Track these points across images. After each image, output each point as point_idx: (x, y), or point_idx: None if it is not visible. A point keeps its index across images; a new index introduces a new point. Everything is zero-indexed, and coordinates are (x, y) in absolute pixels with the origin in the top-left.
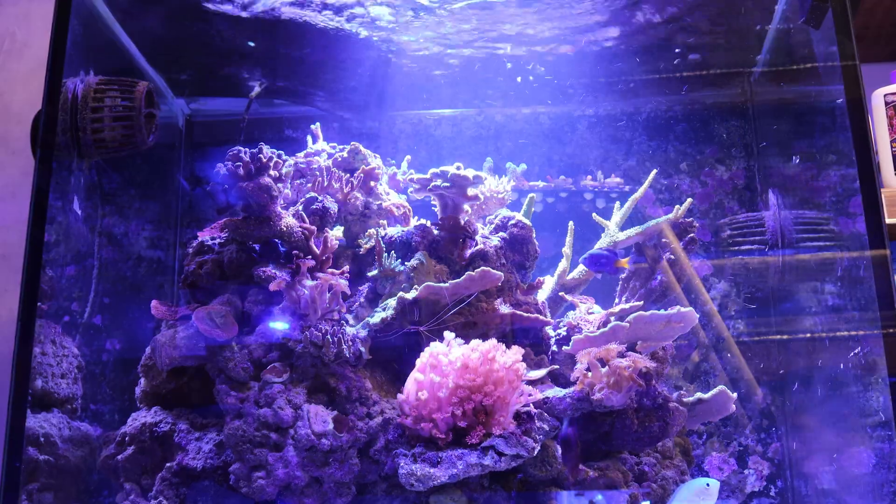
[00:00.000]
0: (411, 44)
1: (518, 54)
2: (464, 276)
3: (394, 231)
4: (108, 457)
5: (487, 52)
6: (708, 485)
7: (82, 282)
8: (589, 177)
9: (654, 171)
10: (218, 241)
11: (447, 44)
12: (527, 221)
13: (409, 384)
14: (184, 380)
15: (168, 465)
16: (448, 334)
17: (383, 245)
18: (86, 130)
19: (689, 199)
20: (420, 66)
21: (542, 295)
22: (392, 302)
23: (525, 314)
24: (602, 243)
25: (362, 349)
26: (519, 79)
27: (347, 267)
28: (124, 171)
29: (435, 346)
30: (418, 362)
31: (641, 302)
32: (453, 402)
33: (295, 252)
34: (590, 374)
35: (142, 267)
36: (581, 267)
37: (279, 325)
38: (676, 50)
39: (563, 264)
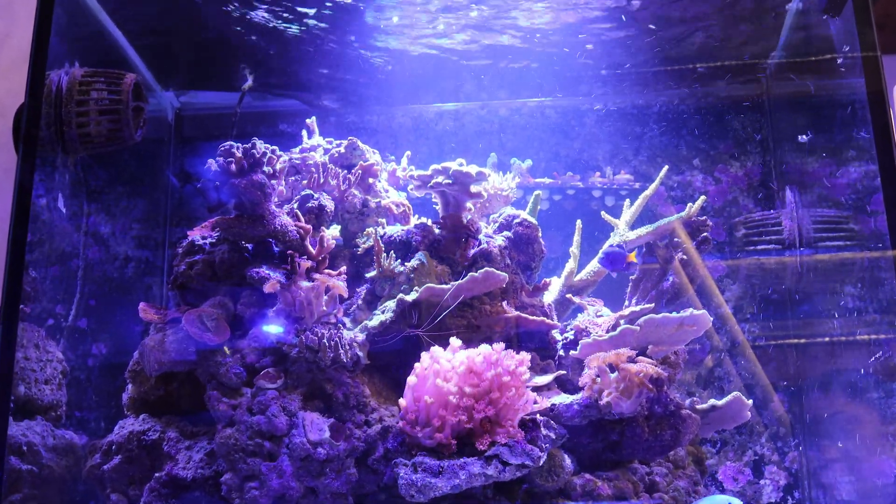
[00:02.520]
0: (412, 29)
1: (524, 45)
2: (466, 277)
3: (393, 230)
4: (93, 466)
5: (491, 42)
6: (730, 503)
7: (67, 283)
8: (597, 173)
9: (666, 168)
10: (209, 240)
11: (450, 31)
12: (532, 220)
13: (411, 389)
14: (173, 386)
15: (157, 474)
16: (454, 341)
17: (382, 245)
18: (71, 125)
19: (703, 197)
20: (420, 55)
21: (548, 297)
22: (391, 304)
23: (531, 317)
24: (611, 243)
25: (360, 354)
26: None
27: (345, 268)
28: (111, 168)
29: (438, 351)
30: (419, 366)
31: (652, 304)
32: (461, 408)
33: (290, 252)
34: (598, 379)
35: (129, 268)
36: (589, 268)
37: (273, 329)
38: (689, 40)
39: (570, 265)
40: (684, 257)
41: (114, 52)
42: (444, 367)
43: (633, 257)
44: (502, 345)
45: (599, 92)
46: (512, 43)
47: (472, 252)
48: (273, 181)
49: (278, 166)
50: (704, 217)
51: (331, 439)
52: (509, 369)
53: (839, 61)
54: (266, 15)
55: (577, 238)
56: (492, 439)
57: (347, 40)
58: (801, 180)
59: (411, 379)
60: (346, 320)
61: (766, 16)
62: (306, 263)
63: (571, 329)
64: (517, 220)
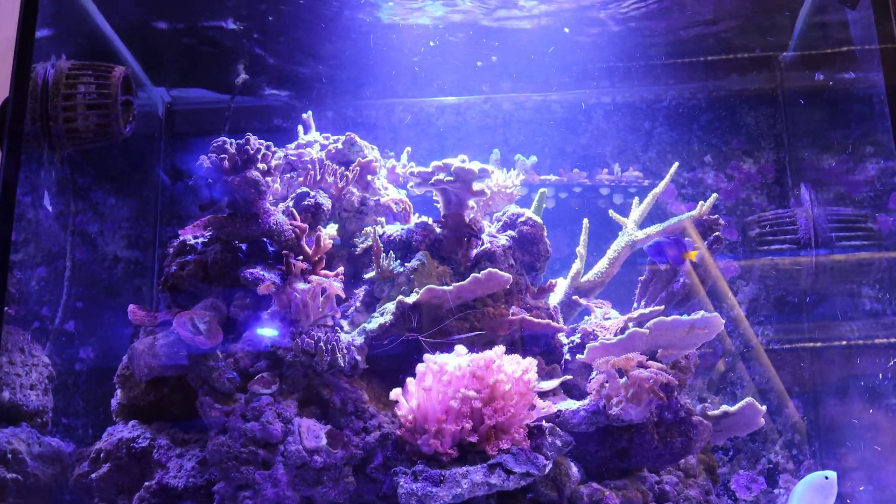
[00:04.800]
0: (411, 16)
1: (530, 27)
2: (469, 279)
3: (392, 229)
4: (81, 475)
5: (497, 26)
6: (827, 478)
7: (53, 284)
8: (605, 170)
9: (676, 164)
10: (201, 240)
11: (452, 17)
12: (537, 219)
13: (410, 395)
14: (164, 391)
15: (147, 484)
16: (459, 348)
17: (381, 244)
18: (57, 119)
19: (715, 195)
20: (422, 43)
21: (554, 299)
22: (391, 306)
23: (536, 320)
24: (619, 242)
25: (358, 358)
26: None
27: (342, 268)
28: (99, 164)
29: (439, 356)
30: (419, 371)
31: (662, 307)
32: (462, 415)
33: (285, 252)
34: (606, 385)
35: (118, 268)
36: (597, 268)
37: (268, 332)
38: (701, 31)
39: (576, 265)
40: None
41: (102, 45)
42: (444, 372)
43: (693, 255)
44: (503, 348)
45: (607, 85)
46: (518, 25)
47: (474, 252)
48: (268, 178)
49: (273, 163)
50: (716, 216)
51: (328, 447)
52: (515, 375)
53: (856, 54)
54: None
55: (583, 237)
56: (496, 446)
57: (343, 20)
58: (816, 177)
59: (410, 384)
60: (344, 323)
61: (780, 7)
62: (302, 264)
63: (578, 332)
64: (521, 219)
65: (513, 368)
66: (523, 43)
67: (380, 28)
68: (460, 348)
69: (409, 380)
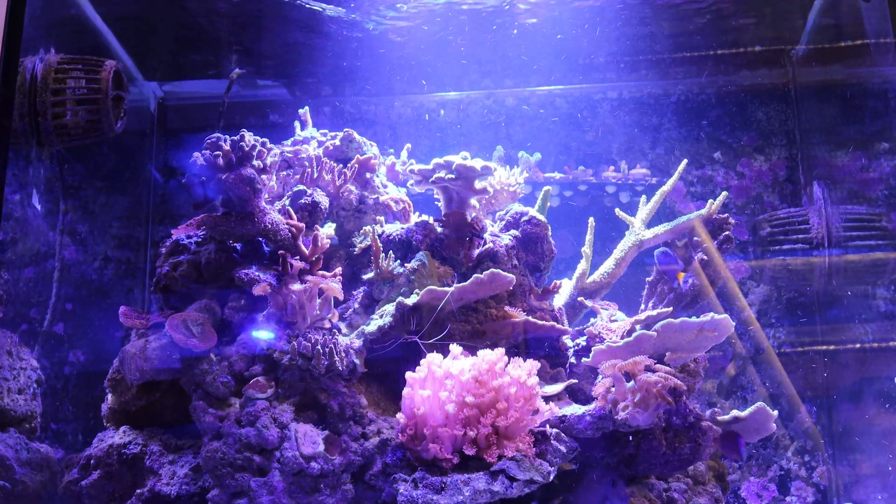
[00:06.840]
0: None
1: (535, 21)
2: (471, 279)
3: (392, 228)
4: (70, 482)
5: (500, 19)
6: None
7: (42, 285)
8: (611, 167)
9: (685, 162)
10: (194, 239)
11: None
12: (541, 218)
13: (410, 399)
14: (156, 396)
15: (138, 491)
16: (454, 348)
17: (380, 244)
18: (46, 115)
19: (724, 193)
20: (422, 35)
21: (558, 300)
22: (390, 308)
23: (540, 322)
24: (626, 242)
25: (357, 361)
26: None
27: (340, 269)
28: (89, 162)
29: (437, 358)
30: (418, 374)
31: (670, 308)
32: (462, 421)
33: (281, 252)
34: (613, 389)
35: (109, 269)
36: (603, 269)
37: (263, 335)
38: (711, 24)
39: (582, 266)
40: (705, 258)
41: (93, 38)
42: (444, 375)
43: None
44: (502, 350)
45: (614, 79)
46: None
47: (476, 252)
48: (263, 176)
49: (269, 160)
50: (726, 214)
51: (325, 453)
52: (518, 379)
53: (871, 48)
54: None
55: (589, 237)
56: (499, 453)
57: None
58: (830, 175)
59: (408, 388)
60: (342, 325)
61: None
62: (299, 264)
63: (584, 335)
64: (525, 218)
65: (516, 372)
66: (527, 37)
67: (381, 22)
68: (454, 347)
69: (410, 380)
